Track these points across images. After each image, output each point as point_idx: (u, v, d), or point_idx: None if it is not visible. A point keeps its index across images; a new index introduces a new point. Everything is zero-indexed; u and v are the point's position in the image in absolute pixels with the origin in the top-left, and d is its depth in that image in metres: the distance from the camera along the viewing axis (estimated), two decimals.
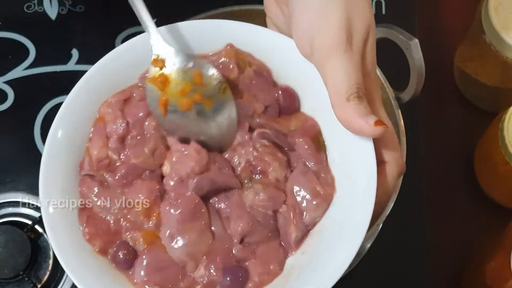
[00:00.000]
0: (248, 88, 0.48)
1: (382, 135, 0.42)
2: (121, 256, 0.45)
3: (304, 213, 0.45)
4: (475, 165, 0.77)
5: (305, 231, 0.46)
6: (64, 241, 0.45)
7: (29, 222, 0.71)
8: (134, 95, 0.48)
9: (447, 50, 0.82)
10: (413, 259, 0.73)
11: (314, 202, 0.45)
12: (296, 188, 0.46)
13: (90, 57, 0.83)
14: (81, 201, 0.46)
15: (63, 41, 0.83)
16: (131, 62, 0.48)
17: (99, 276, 0.45)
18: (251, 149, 0.46)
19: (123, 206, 0.46)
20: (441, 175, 0.77)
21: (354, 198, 0.44)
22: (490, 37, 0.67)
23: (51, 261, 0.71)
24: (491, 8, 0.66)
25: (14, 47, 0.81)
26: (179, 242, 0.44)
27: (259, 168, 0.46)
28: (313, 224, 0.46)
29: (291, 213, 0.45)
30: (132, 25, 0.84)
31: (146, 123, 0.47)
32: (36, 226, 0.71)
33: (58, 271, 0.71)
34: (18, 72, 0.80)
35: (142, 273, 0.44)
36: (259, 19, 0.69)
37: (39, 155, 0.77)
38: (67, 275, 0.71)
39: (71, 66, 0.81)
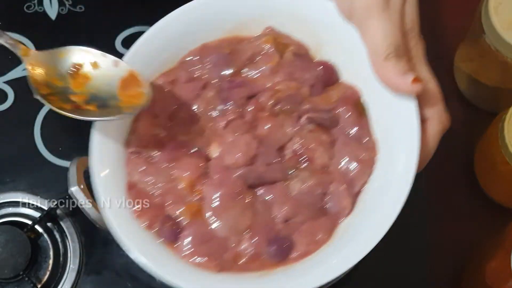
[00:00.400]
0: (290, 71, 0.49)
1: (421, 92, 0.43)
2: (167, 230, 0.46)
3: (352, 182, 0.47)
4: (475, 165, 0.77)
5: (355, 197, 0.47)
6: (117, 216, 0.47)
7: (29, 222, 0.71)
8: (180, 77, 0.50)
9: (447, 50, 0.82)
10: (413, 259, 0.73)
11: (359, 170, 0.46)
12: (341, 162, 0.47)
13: None
14: (129, 179, 0.48)
15: (63, 41, 0.83)
16: (171, 38, 0.51)
17: (151, 248, 0.47)
18: (298, 138, 0.47)
19: (168, 181, 0.47)
20: (441, 175, 0.76)
21: (397, 158, 0.45)
22: (490, 37, 0.67)
23: (51, 261, 0.71)
24: (491, 8, 0.66)
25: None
26: (221, 218, 0.46)
27: (305, 156, 0.47)
28: (362, 188, 0.47)
29: (342, 189, 0.46)
30: (132, 25, 0.84)
31: (195, 105, 0.49)
32: (36, 226, 0.71)
33: (58, 271, 0.71)
34: (18, 72, 0.80)
35: (188, 245, 0.46)
36: None
37: (39, 155, 0.77)
38: (67, 275, 0.71)
39: None
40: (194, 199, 0.47)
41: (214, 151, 0.48)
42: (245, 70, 0.50)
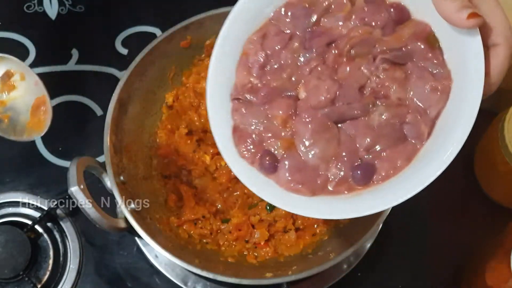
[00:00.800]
0: (362, 16, 0.53)
1: (478, 25, 0.47)
2: (267, 163, 0.53)
3: (428, 110, 0.51)
4: (475, 165, 0.77)
5: (432, 123, 0.51)
6: (231, 155, 0.54)
7: (29, 222, 0.71)
8: (269, 31, 0.56)
9: None
10: (413, 259, 0.73)
11: (435, 97, 0.51)
12: (417, 92, 0.52)
13: (90, 57, 0.83)
14: (232, 123, 0.55)
15: (63, 41, 0.83)
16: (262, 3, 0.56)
17: (258, 180, 0.53)
18: (374, 78, 0.52)
19: (265, 120, 0.54)
20: (441, 175, 0.76)
21: (468, 86, 0.49)
22: None
23: (51, 261, 0.71)
24: None
25: (14, 47, 0.81)
26: (311, 149, 0.52)
27: (382, 93, 0.52)
28: (438, 115, 0.51)
29: (419, 117, 0.51)
30: (132, 25, 0.84)
31: (283, 53, 0.55)
32: (36, 226, 0.71)
33: (58, 271, 0.71)
34: None
35: (286, 174, 0.53)
36: None
37: (39, 155, 0.77)
38: (67, 275, 0.71)
39: (71, 66, 0.81)
40: (288, 134, 0.53)
41: (301, 94, 0.54)
42: (323, 20, 0.55)
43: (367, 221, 0.62)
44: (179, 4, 0.83)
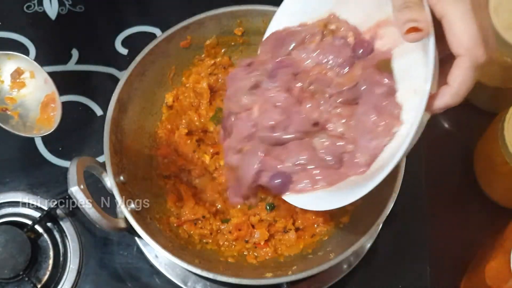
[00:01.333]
0: (325, 52, 0.57)
1: (417, 40, 0.47)
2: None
3: (369, 143, 0.53)
4: (475, 165, 0.77)
5: (372, 155, 0.53)
6: None
7: (29, 222, 0.71)
8: (262, 51, 0.61)
9: None
10: (413, 259, 0.73)
11: (379, 131, 0.53)
12: (361, 128, 0.54)
13: (90, 57, 0.83)
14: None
15: (63, 41, 0.83)
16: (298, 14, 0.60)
17: None
18: (325, 115, 0.56)
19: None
20: (441, 175, 0.77)
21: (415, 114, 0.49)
22: None
23: (51, 261, 0.71)
24: (491, 8, 0.66)
25: (14, 47, 0.81)
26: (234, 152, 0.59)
27: (327, 125, 0.56)
28: (379, 148, 0.53)
29: (356, 148, 0.54)
30: (132, 25, 0.84)
31: (257, 73, 0.58)
32: (36, 226, 0.71)
33: (58, 271, 0.71)
34: None
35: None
36: (259, 18, 0.70)
37: (39, 155, 0.77)
38: (67, 275, 0.71)
39: (71, 66, 0.81)
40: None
41: (256, 112, 0.58)
42: (295, 51, 0.58)
43: (367, 221, 0.62)
44: (179, 4, 0.83)
